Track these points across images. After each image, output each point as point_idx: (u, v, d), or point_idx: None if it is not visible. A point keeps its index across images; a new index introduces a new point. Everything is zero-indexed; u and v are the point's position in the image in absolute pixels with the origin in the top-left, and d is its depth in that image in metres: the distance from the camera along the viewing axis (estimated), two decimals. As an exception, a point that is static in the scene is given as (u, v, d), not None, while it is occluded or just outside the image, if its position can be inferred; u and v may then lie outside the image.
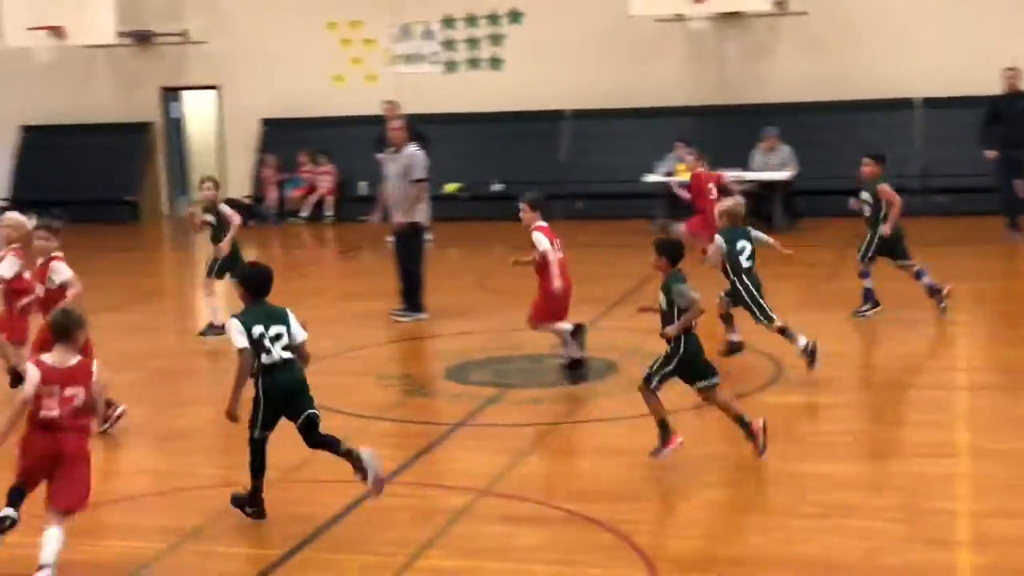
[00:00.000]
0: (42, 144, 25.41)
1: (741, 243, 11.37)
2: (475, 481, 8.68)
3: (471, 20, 23.70)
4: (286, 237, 22.63)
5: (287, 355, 7.87)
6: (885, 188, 13.24)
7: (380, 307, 14.47)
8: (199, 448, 9.87)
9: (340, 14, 24.07)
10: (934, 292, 13.26)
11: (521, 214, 11.82)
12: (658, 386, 8.78)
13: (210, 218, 13.87)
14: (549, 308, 11.61)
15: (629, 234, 20.03)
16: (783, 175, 20.74)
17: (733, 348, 11.65)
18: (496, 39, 23.66)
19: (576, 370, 11.67)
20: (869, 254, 13.33)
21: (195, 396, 11.79)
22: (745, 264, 11.36)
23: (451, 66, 23.92)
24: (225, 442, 9.83)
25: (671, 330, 8.71)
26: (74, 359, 7.15)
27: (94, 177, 24.78)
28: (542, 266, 11.50)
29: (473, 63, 23.82)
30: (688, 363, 8.76)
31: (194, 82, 25.47)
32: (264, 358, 7.83)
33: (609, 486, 8.58)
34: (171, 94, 25.99)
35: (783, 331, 11.26)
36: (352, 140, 22.63)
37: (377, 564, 7.34)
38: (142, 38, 24.63)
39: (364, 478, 7.91)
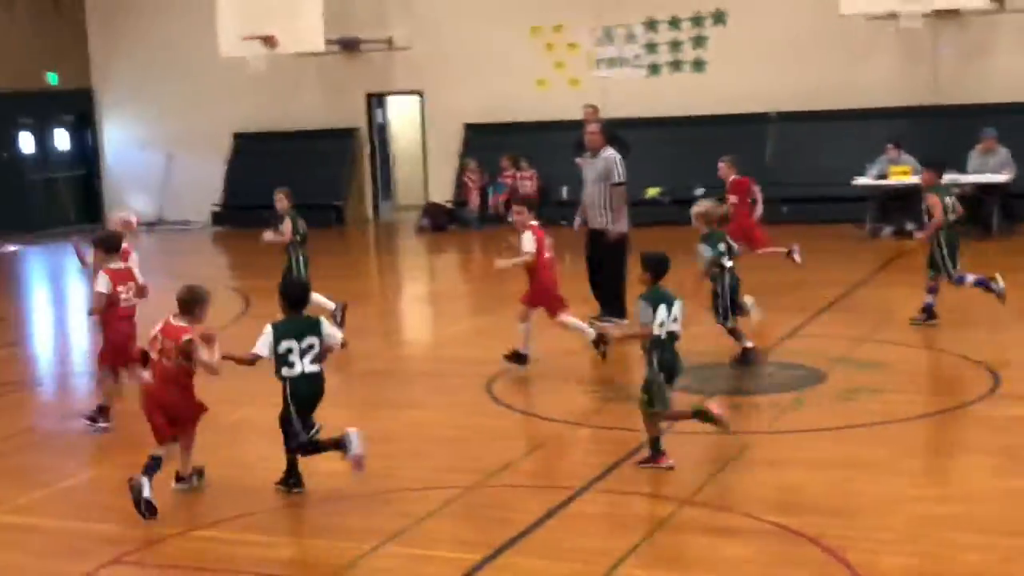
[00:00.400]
0: (252, 151, 26.13)
1: (721, 245, 11.89)
2: (677, 490, 8.48)
3: (674, 22, 23.45)
4: (487, 242, 22.73)
5: (312, 368, 8.56)
6: (932, 197, 13.19)
7: (581, 311, 14.35)
8: (402, 451, 9.90)
9: (543, 18, 24.09)
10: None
11: (516, 216, 12.13)
12: (658, 407, 8.92)
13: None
14: (550, 299, 12.11)
15: (836, 239, 19.52)
16: (1001, 178, 19.93)
17: (747, 357, 11.91)
18: (699, 41, 23.36)
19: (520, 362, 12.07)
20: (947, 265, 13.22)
21: (399, 398, 11.86)
22: (728, 264, 11.86)
23: (654, 69, 23.70)
24: (428, 445, 9.86)
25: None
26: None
27: (301, 183, 25.16)
28: (532, 266, 11.93)
29: (676, 65, 23.55)
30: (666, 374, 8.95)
31: (398, 88, 25.84)
32: (285, 371, 8.54)
33: (816, 499, 8.28)
34: (376, 100, 26.42)
35: (733, 332, 11.89)
36: (554, 144, 22.60)
37: (576, 572, 7.22)
38: (349, 45, 25.10)
39: (346, 452, 8.56)
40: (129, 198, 27.20)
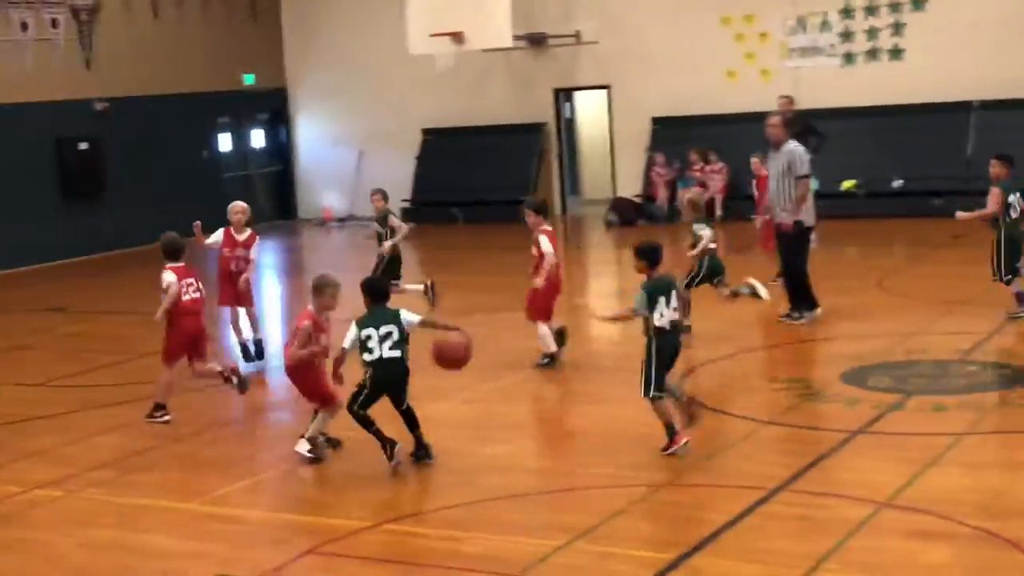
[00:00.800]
0: (440, 146, 26.40)
1: (709, 232, 13.16)
2: (875, 492, 8.22)
3: (871, 9, 22.81)
4: (676, 236, 22.48)
5: (392, 353, 9.23)
6: (994, 191, 13.12)
7: (772, 309, 14.08)
8: (591, 447, 9.83)
9: (734, 8, 23.73)
10: None
11: (527, 219, 12.27)
12: (657, 391, 9.20)
13: (379, 228, 15.50)
14: (541, 306, 12.37)
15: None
16: None
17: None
18: (897, 28, 22.69)
19: (551, 362, 12.37)
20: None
21: (588, 394, 11.79)
22: (712, 247, 13.14)
23: (849, 58, 23.11)
24: (614, 442, 9.77)
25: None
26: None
27: (489, 178, 25.49)
28: (540, 266, 12.19)
29: (872, 54, 22.92)
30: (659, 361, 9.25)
31: (585, 82, 25.78)
32: (366, 356, 9.22)
33: (1022, 503, 7.93)
34: (563, 94, 26.41)
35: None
36: (744, 137, 22.19)
37: (772, 575, 7.05)
38: (536, 41, 25.14)
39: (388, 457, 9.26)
40: (321, 194, 27.80)
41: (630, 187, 24.79)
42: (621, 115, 25.28)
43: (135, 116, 24.43)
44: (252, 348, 13.50)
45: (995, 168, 13.37)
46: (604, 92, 25.65)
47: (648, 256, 9.40)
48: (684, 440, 9.23)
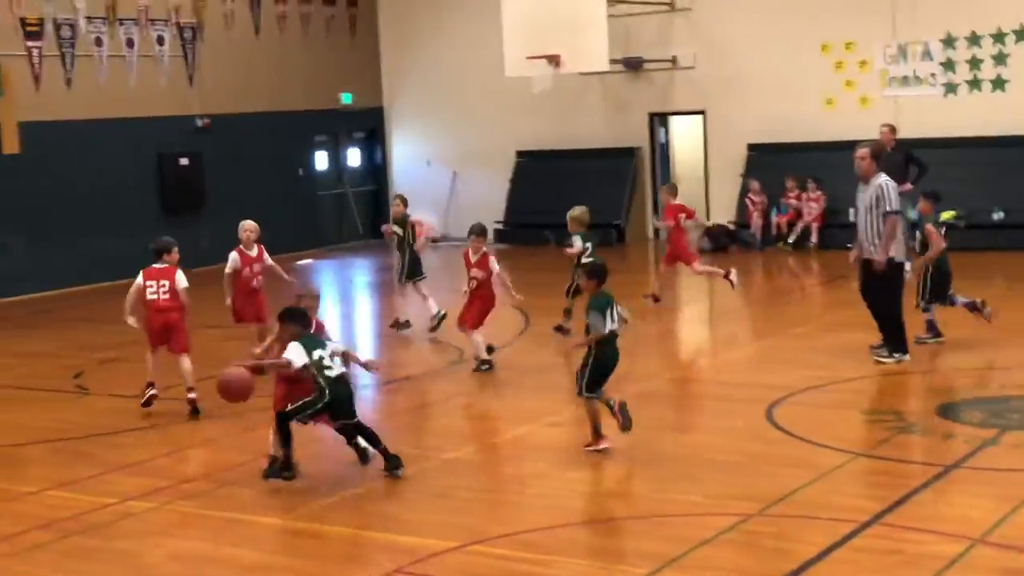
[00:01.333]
0: (534, 169, 26.45)
1: (580, 243, 14.89)
2: (969, 528, 8.04)
3: (973, 39, 22.47)
4: (769, 263, 22.31)
5: (343, 370, 9.69)
6: (929, 228, 13.85)
7: (867, 338, 13.87)
8: (677, 474, 9.74)
9: (834, 35, 23.50)
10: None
11: (473, 244, 14.08)
12: (590, 392, 10.16)
13: (398, 229, 16.82)
14: (476, 318, 13.75)
15: None
16: None
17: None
18: (1000, 58, 22.31)
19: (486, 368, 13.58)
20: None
21: (675, 420, 11.71)
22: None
23: (950, 88, 22.77)
24: (704, 470, 9.68)
25: (581, 342, 10.41)
26: None
27: (582, 201, 25.33)
28: (487, 283, 13.83)
29: (974, 84, 22.57)
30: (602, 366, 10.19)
31: (681, 107, 25.69)
32: (327, 373, 9.54)
33: (1125, 546, 7.72)
34: (658, 119, 26.34)
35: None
36: (842, 166, 21.92)
37: (860, 611, 6.92)
38: (633, 65, 25.12)
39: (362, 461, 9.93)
40: (415, 214, 27.91)
41: (723, 213, 24.64)
42: (716, 140, 25.15)
43: (235, 133, 24.81)
44: None
45: (922, 205, 14.42)
46: (700, 117, 25.54)
47: (599, 275, 10.34)
48: (605, 445, 10.16)
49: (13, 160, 20.34)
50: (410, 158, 28.44)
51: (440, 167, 27.77)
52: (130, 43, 23.31)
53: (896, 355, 13.13)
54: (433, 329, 16.05)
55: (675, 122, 27.27)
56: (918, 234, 14.14)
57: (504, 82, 23.63)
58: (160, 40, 23.84)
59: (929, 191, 14.62)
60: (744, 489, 9.07)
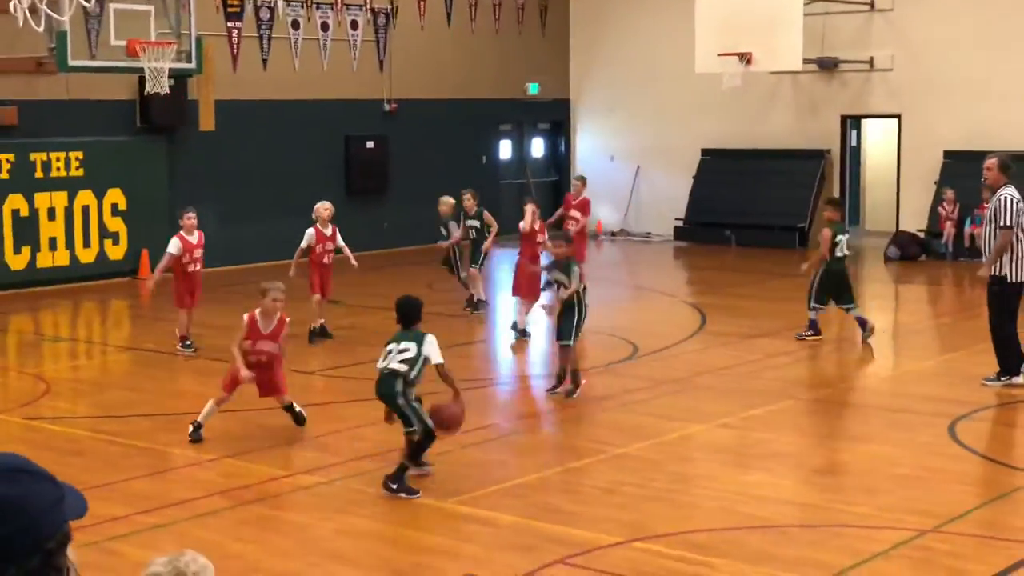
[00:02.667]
0: (719, 167, 26.12)
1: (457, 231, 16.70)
2: None
3: None
4: (960, 275, 21.60)
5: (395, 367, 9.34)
6: (825, 233, 14.85)
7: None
8: (853, 485, 9.48)
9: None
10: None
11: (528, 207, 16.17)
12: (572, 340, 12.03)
13: (475, 223, 17.29)
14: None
15: None
16: None
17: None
18: None
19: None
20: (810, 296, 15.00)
21: (854, 431, 11.41)
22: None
23: None
24: (881, 482, 9.41)
25: (564, 295, 12.05)
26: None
27: (767, 202, 25.07)
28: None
29: None
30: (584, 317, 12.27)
31: (875, 110, 25.07)
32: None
33: None
34: (851, 121, 25.75)
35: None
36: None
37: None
38: (827, 65, 24.60)
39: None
40: (595, 207, 27.87)
41: (914, 221, 23.96)
42: (911, 146, 24.47)
43: (421, 118, 25.09)
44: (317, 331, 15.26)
45: (827, 212, 15.36)
46: (894, 121, 24.88)
47: (570, 241, 13.09)
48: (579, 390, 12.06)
49: (208, 137, 20.89)
50: (593, 151, 28.38)
51: (623, 162, 27.65)
52: (324, 27, 23.76)
53: (1004, 379, 12.39)
54: (475, 309, 17.16)
55: (868, 125, 26.64)
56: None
57: (692, 78, 23.39)
58: (354, 25, 24.23)
59: (832, 198, 15.69)
60: (921, 504, 8.78)
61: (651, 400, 12.22)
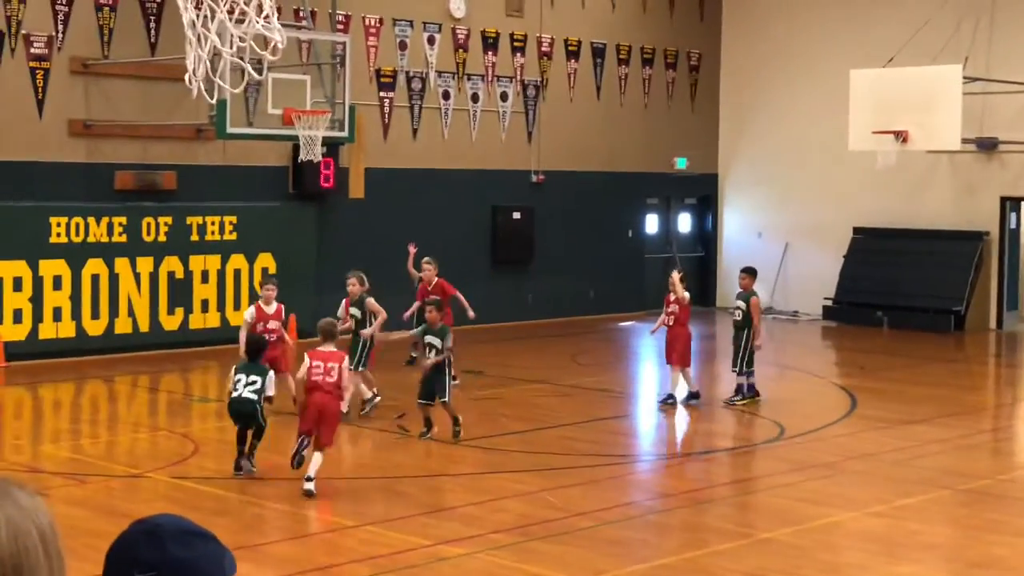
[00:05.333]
0: (871, 246, 25.59)
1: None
2: None
3: None
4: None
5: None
6: (755, 301, 15.53)
7: None
8: (1013, 582, 9.07)
9: None
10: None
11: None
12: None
13: (356, 312, 14.68)
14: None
15: None
16: None
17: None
18: None
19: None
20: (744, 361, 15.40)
21: (1011, 524, 10.93)
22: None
23: None
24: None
25: (439, 358, 13.21)
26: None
27: (920, 284, 24.47)
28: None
29: None
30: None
31: (1036, 193, 24.37)
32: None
33: None
34: (1011, 203, 25.06)
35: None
36: None
37: None
38: (986, 146, 24.01)
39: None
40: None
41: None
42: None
43: (568, 190, 25.11)
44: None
45: (744, 280, 16.03)
46: (1056, 205, 24.15)
47: (441, 308, 13.84)
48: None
49: (357, 204, 21.16)
50: (741, 227, 28.07)
51: (771, 238, 27.29)
52: (475, 98, 23.99)
53: None
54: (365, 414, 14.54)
55: (1028, 208, 25.92)
56: (740, 305, 15.67)
57: (845, 156, 23.04)
58: (504, 96, 24.43)
59: (747, 267, 16.38)
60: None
61: (798, 484, 11.90)
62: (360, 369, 14.37)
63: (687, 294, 15.91)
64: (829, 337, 24.54)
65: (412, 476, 11.30)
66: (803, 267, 26.64)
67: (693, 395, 15.52)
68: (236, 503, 10.89)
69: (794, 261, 26.88)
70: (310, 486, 10.79)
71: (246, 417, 11.63)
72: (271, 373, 11.76)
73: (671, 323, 15.72)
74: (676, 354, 15.51)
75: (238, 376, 11.65)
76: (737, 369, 15.59)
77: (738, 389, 15.60)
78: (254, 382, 11.56)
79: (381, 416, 14.38)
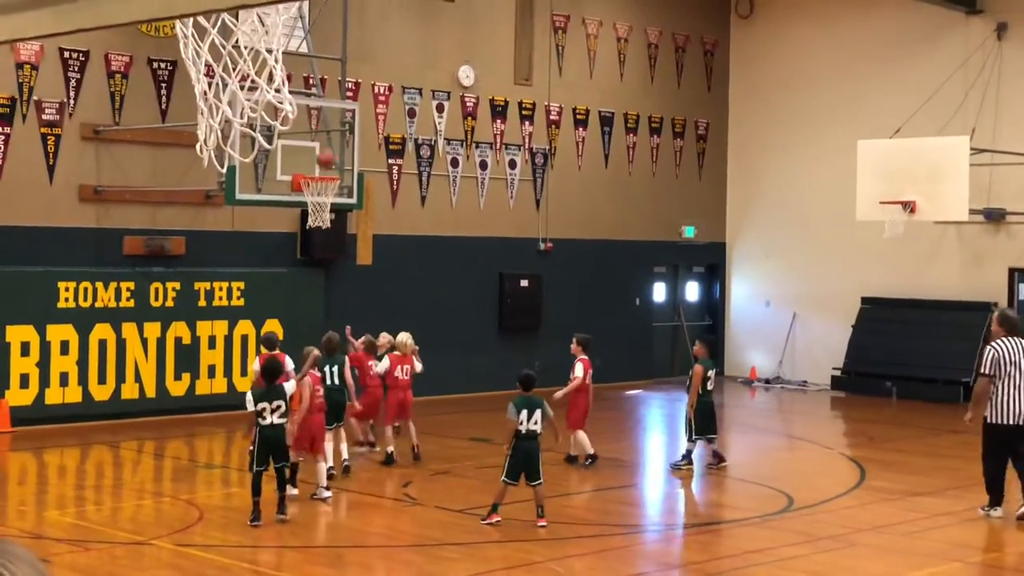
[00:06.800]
0: (879, 317, 25.54)
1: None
2: None
3: None
4: None
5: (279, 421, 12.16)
6: (696, 370, 15.69)
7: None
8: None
9: None
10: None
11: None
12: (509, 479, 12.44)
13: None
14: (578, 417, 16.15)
15: None
16: None
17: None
18: None
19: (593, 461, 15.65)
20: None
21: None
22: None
23: None
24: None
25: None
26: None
27: (929, 354, 24.40)
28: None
29: None
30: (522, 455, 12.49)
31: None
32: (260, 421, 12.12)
33: None
34: (1019, 274, 25.01)
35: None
36: None
37: None
38: (994, 217, 24.04)
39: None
40: (749, 353, 27.50)
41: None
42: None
43: (575, 257, 25.14)
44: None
45: (698, 348, 16.36)
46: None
47: (526, 383, 12.82)
48: (498, 519, 12.29)
49: (365, 270, 21.18)
50: (748, 296, 28.06)
51: (779, 307, 27.26)
52: (483, 165, 24.09)
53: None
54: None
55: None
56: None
57: (853, 225, 23.05)
58: (512, 164, 24.52)
59: (703, 335, 16.73)
60: None
61: (807, 556, 11.78)
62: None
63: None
64: (838, 407, 24.42)
65: (415, 545, 11.18)
66: (811, 336, 26.60)
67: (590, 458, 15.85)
68: (240, 571, 10.79)
69: (802, 330, 26.84)
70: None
71: (278, 447, 12.13)
72: (291, 382, 12.63)
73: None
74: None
75: (261, 404, 12.03)
76: (687, 435, 15.93)
77: (685, 454, 15.93)
78: (279, 407, 12.10)
79: (385, 478, 14.25)
